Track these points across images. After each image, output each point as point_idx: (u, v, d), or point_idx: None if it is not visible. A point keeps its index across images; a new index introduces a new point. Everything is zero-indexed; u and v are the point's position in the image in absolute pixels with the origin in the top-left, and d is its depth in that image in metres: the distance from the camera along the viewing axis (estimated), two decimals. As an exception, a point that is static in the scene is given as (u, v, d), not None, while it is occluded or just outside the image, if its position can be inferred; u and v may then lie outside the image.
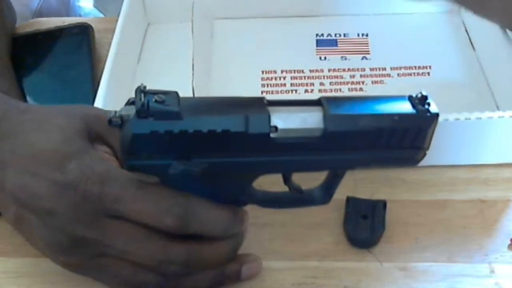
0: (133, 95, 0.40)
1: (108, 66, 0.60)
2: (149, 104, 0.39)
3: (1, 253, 0.52)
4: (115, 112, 0.40)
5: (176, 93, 0.41)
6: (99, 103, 0.56)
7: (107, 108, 0.57)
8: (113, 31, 0.64)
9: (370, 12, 0.75)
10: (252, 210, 0.47)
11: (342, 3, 0.74)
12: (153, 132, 0.40)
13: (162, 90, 0.41)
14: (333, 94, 0.66)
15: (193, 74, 0.59)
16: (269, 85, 0.68)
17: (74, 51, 0.70)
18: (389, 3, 0.74)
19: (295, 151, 0.42)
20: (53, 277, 0.50)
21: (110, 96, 0.58)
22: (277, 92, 0.67)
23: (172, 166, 0.41)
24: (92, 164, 0.43)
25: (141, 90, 0.40)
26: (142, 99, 0.39)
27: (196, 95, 0.58)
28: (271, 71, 0.69)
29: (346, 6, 0.74)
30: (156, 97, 0.40)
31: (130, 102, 0.41)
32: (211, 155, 0.41)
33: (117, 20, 0.66)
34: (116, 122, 0.40)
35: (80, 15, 0.98)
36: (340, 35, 0.73)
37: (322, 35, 0.73)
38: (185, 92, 0.57)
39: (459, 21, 0.73)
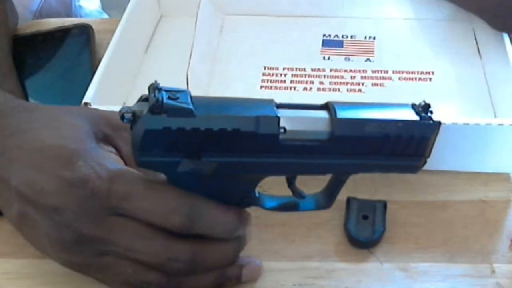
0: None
1: (109, 50, 0.62)
2: (163, 100, 0.40)
3: (1, 254, 0.52)
4: (128, 107, 0.41)
5: (189, 91, 0.41)
6: (95, 83, 0.59)
7: (102, 89, 0.59)
8: (114, 31, 0.65)
9: (380, 16, 0.75)
10: (253, 211, 0.47)
11: (352, 5, 0.75)
12: (165, 128, 0.40)
13: (174, 88, 0.41)
14: (332, 93, 0.66)
15: (189, 63, 0.60)
16: (269, 81, 0.68)
17: (74, 52, 0.70)
18: (400, 8, 0.74)
19: (301, 154, 0.43)
20: (53, 278, 0.49)
21: (108, 78, 0.60)
22: (275, 88, 0.67)
23: (182, 164, 0.41)
24: (101, 162, 0.43)
25: (155, 87, 0.40)
26: (156, 95, 0.40)
27: (194, 84, 0.59)
28: (273, 68, 0.70)
29: (356, 8, 0.75)
30: (169, 94, 0.40)
31: (142, 99, 0.42)
32: (221, 154, 0.42)
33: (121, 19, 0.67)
34: (128, 117, 0.40)
35: (80, 16, 0.98)
36: (347, 37, 0.73)
37: (329, 35, 0.73)
38: (185, 84, 0.59)
39: (470, 30, 0.73)
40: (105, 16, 1.06)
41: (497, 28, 0.63)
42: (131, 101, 0.43)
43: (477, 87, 0.66)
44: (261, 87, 0.68)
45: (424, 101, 0.44)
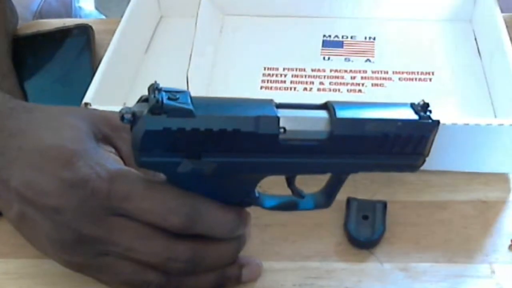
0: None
1: (109, 50, 0.63)
2: (163, 101, 0.40)
3: (1, 254, 0.52)
4: (128, 108, 0.41)
5: (188, 92, 0.41)
6: (95, 83, 0.59)
7: (102, 90, 0.59)
8: (114, 32, 0.65)
9: (381, 16, 0.75)
10: (253, 211, 0.47)
11: (352, 6, 0.75)
12: (165, 129, 0.40)
13: (174, 88, 0.41)
14: (332, 93, 0.66)
15: (189, 63, 0.60)
16: (269, 81, 0.68)
17: (74, 52, 0.70)
18: (400, 9, 0.74)
19: (301, 153, 0.43)
20: (53, 278, 0.49)
21: (108, 78, 0.61)
22: (276, 88, 0.67)
23: (182, 164, 0.41)
24: (101, 162, 0.43)
25: (155, 88, 0.40)
26: (156, 96, 0.40)
27: (194, 84, 0.59)
28: (273, 68, 0.70)
29: (356, 9, 0.75)
30: (169, 94, 0.40)
31: (142, 99, 0.42)
32: (221, 154, 0.42)
33: (121, 19, 0.67)
34: (128, 118, 0.40)
35: (80, 17, 0.98)
36: (347, 37, 0.73)
37: (329, 36, 0.73)
38: (185, 84, 0.59)
39: (470, 30, 0.73)
40: (103, 16, 1.06)
41: None
42: (131, 101, 0.43)
43: (477, 87, 0.66)
44: (261, 87, 0.68)
45: (423, 100, 0.44)
